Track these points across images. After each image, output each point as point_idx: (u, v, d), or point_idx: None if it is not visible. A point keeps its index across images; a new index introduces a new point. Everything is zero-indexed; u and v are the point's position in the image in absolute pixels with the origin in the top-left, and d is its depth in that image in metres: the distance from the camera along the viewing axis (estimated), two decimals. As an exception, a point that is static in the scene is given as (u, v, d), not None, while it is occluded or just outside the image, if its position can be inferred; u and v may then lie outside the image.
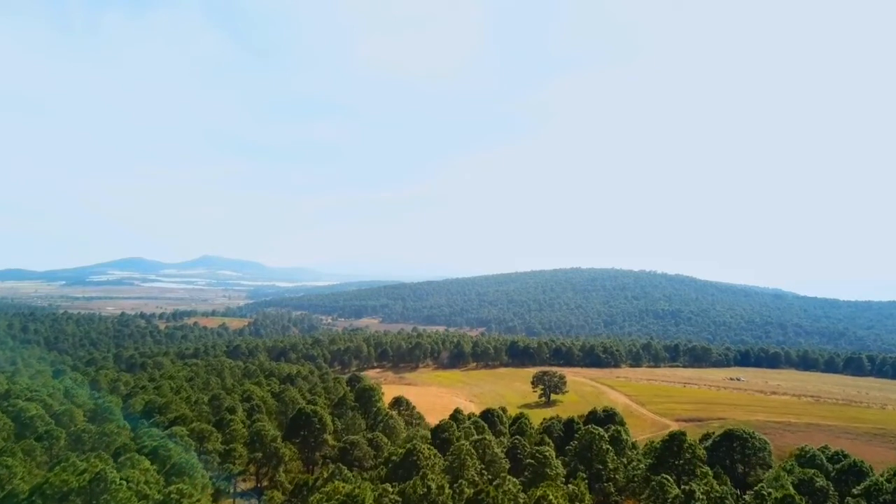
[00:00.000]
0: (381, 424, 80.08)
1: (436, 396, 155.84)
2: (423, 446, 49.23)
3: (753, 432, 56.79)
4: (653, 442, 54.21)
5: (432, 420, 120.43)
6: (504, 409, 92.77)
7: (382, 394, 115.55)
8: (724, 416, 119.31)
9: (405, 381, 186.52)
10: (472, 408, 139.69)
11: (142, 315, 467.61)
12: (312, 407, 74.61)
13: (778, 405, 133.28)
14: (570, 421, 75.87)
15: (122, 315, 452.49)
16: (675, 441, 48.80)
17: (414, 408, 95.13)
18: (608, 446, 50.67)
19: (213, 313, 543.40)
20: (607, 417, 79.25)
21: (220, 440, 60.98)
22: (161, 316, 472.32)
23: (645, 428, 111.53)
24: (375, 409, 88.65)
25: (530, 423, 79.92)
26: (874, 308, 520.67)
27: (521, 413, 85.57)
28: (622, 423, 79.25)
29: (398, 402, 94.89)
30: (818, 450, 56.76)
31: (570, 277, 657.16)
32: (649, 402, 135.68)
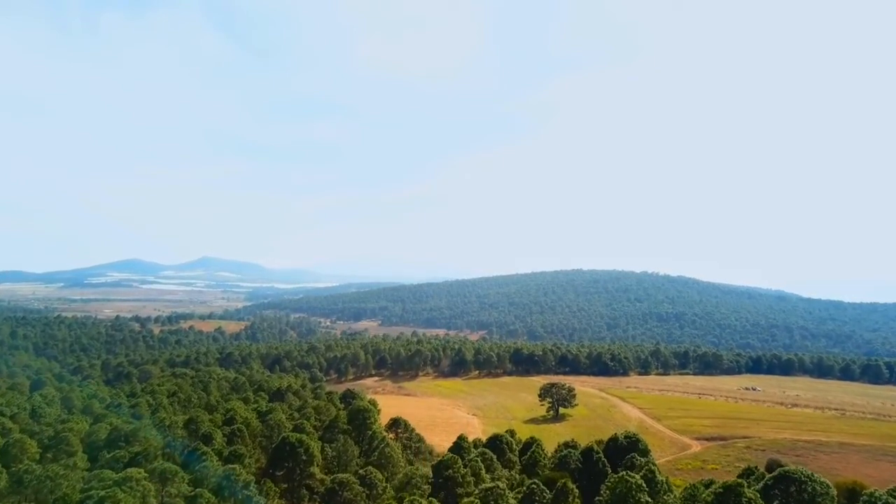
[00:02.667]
0: (377, 453, 71.55)
1: (437, 409, 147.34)
2: (423, 502, 40.75)
3: (813, 474, 48.19)
4: (698, 493, 45.43)
5: (433, 438, 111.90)
6: (512, 433, 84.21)
7: (379, 411, 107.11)
8: (748, 433, 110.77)
9: (404, 390, 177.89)
10: (475, 423, 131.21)
11: (136, 318, 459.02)
12: (298, 436, 66.01)
13: (802, 420, 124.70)
14: (589, 451, 67.32)
15: (117, 319, 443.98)
16: (730, 493, 40.37)
17: (413, 430, 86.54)
18: (648, 498, 42.27)
19: (211, 316, 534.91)
20: (630, 445, 70.65)
21: (186, 480, 52.36)
22: (156, 319, 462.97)
23: (664, 448, 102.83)
24: (371, 432, 79.97)
25: (543, 452, 71.50)
26: (880, 310, 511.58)
27: (532, 439, 77.00)
28: (647, 452, 70.83)
29: (396, 424, 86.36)
30: (888, 493, 48.17)
31: (571, 279, 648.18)
32: (665, 417, 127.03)
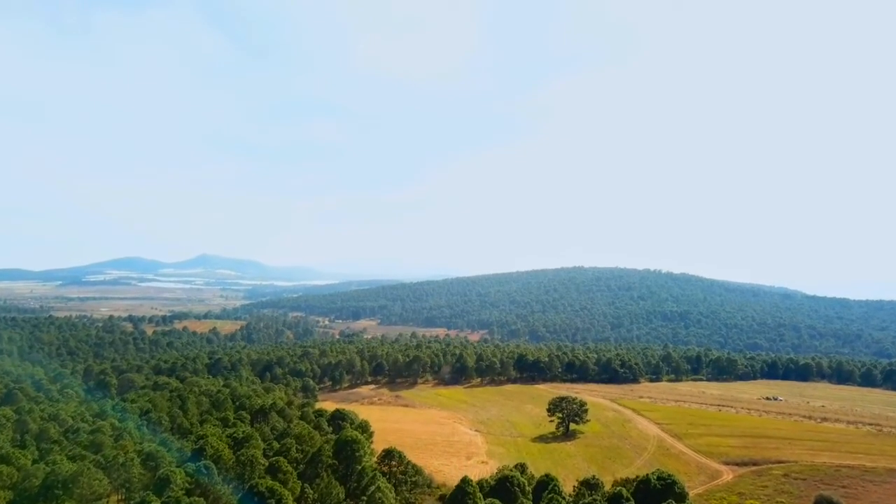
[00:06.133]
0: (366, 496, 60.72)
1: (436, 423, 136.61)
2: None
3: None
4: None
5: (432, 462, 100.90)
6: (523, 468, 73.38)
7: (372, 434, 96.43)
8: (782, 456, 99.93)
9: (402, 400, 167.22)
10: (478, 441, 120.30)
11: (131, 318, 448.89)
12: (269, 483, 55.22)
13: (837, 438, 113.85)
14: (617, 497, 56.55)
15: (109, 319, 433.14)
16: None
17: (409, 462, 75.65)
18: None
19: (207, 315, 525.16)
20: (665, 488, 59.81)
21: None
22: (151, 319, 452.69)
23: (692, 475, 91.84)
24: (360, 467, 69.22)
25: (561, 497, 60.47)
26: (886, 308, 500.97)
27: (547, 477, 66.08)
28: (685, 496, 60.06)
29: (389, 455, 75.41)
30: None
31: (573, 277, 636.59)
32: (686, 435, 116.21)
